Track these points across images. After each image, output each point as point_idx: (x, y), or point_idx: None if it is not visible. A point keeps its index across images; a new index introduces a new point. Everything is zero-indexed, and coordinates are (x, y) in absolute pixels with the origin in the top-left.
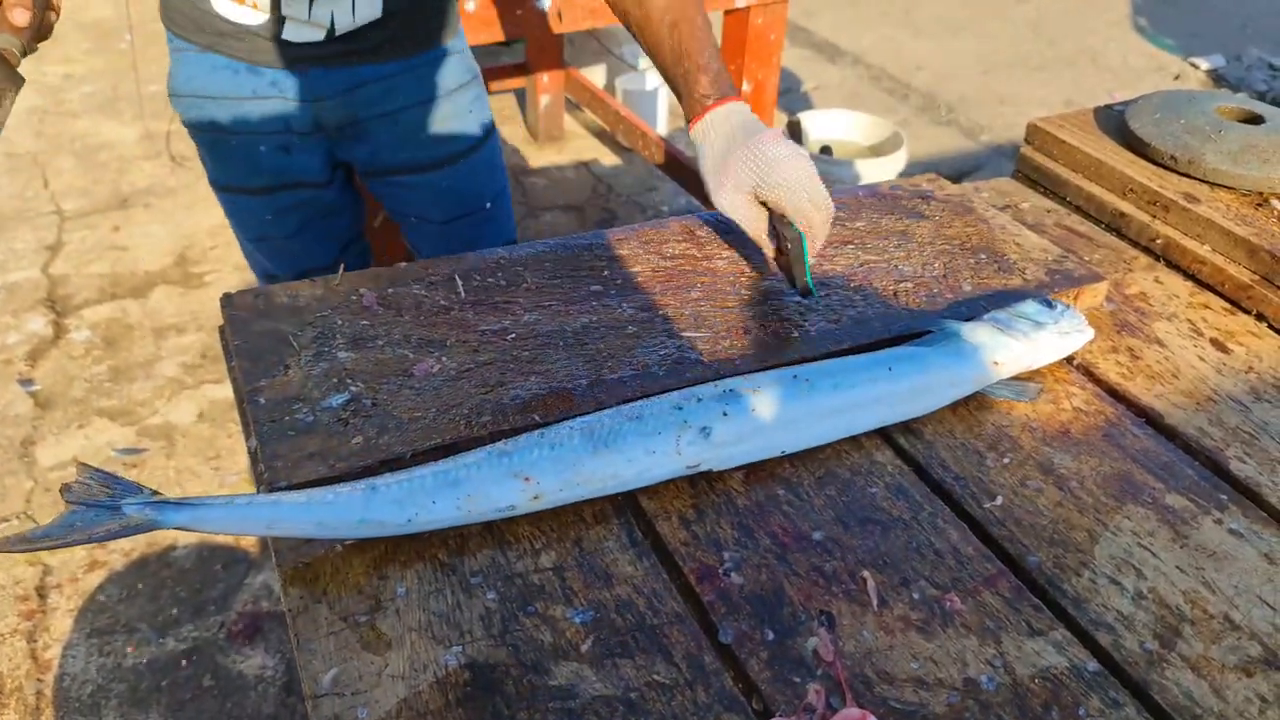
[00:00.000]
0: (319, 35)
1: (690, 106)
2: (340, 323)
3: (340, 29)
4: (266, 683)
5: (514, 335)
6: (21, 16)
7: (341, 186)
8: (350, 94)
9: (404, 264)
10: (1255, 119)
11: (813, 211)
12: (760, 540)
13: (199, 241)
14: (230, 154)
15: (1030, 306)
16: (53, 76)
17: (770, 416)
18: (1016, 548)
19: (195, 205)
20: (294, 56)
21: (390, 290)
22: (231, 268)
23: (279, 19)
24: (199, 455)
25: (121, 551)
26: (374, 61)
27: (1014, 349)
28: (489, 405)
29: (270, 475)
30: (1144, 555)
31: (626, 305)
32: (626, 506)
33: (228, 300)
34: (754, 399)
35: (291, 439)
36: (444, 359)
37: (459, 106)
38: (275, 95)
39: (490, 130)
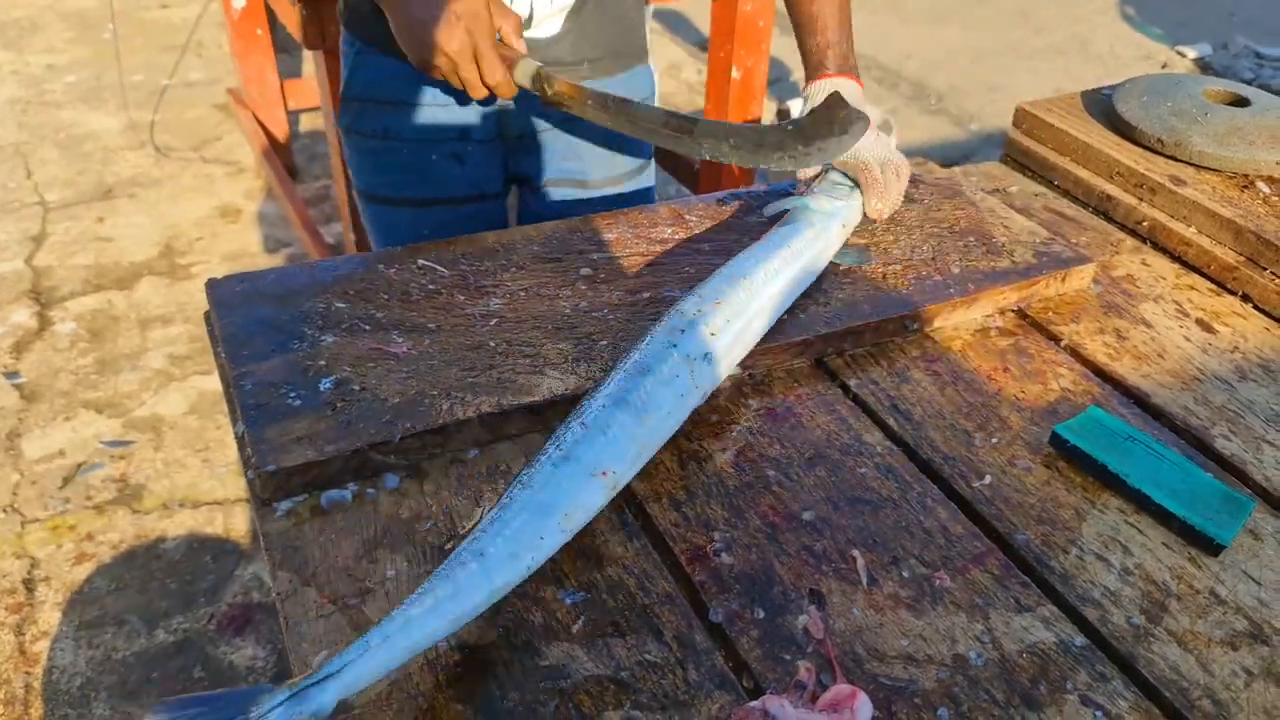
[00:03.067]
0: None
1: (810, 70)
2: (326, 307)
3: (538, 17)
4: (257, 674)
5: (504, 318)
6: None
7: (504, 200)
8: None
9: (392, 248)
10: (1241, 102)
11: (876, 170)
12: (750, 521)
13: (185, 232)
14: (395, 163)
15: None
16: (35, 66)
17: (742, 313)
18: (1005, 526)
19: (180, 196)
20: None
21: (378, 274)
22: (218, 258)
23: None
24: (187, 447)
25: (110, 544)
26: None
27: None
28: (479, 388)
29: (258, 459)
30: (1130, 532)
31: (616, 289)
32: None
33: (213, 286)
34: (721, 310)
35: (279, 423)
36: (432, 342)
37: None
38: (457, 101)
39: (650, 157)
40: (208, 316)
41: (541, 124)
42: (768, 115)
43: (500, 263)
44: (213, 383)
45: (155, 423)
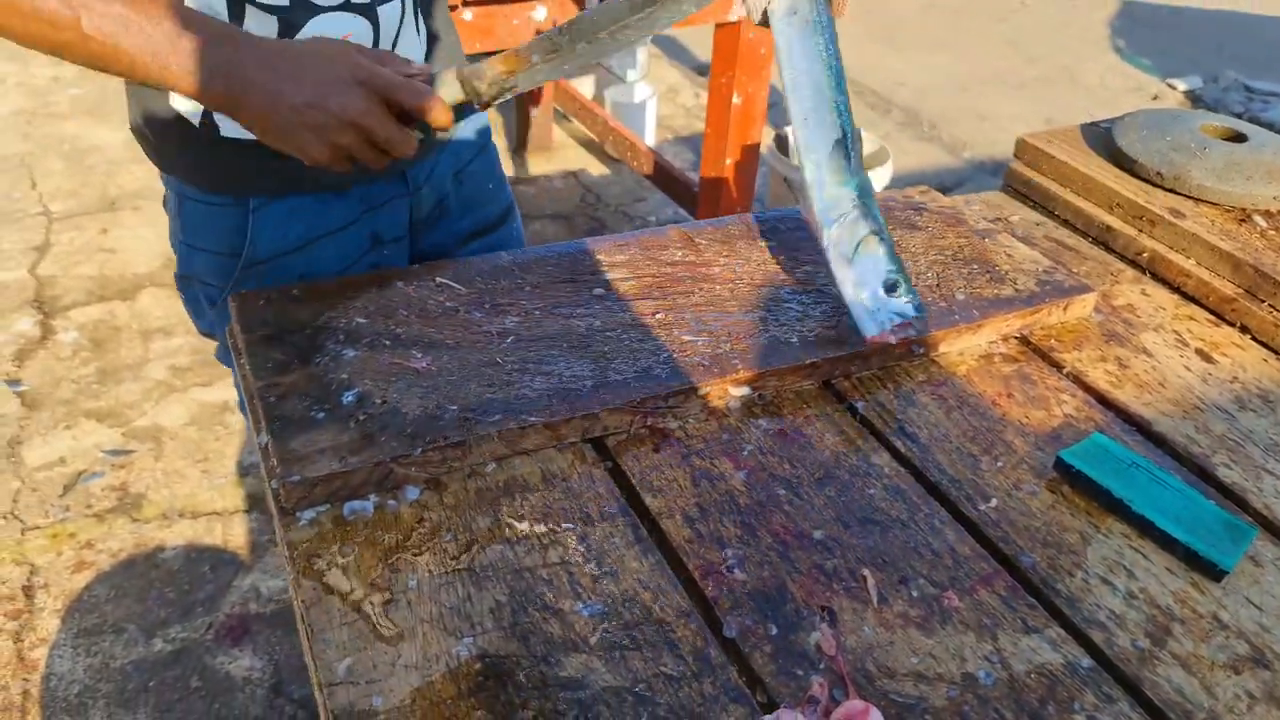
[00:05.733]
0: None
1: None
2: (348, 323)
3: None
4: (254, 684)
5: (520, 336)
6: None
7: None
8: (435, 165)
9: (410, 266)
10: (1239, 137)
11: None
12: (762, 538)
13: None
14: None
15: (876, 274)
16: (40, 79)
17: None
18: (1011, 548)
19: None
20: None
21: (397, 291)
22: None
23: None
24: (188, 457)
25: (109, 552)
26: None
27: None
28: (497, 404)
29: (283, 469)
30: (1134, 557)
31: (629, 309)
32: (631, 505)
33: (237, 299)
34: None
35: (303, 434)
36: (451, 358)
37: (491, 149)
38: (366, 210)
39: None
40: (229, 330)
41: (444, 187)
42: (766, 140)
43: (516, 281)
44: (213, 394)
45: (156, 433)
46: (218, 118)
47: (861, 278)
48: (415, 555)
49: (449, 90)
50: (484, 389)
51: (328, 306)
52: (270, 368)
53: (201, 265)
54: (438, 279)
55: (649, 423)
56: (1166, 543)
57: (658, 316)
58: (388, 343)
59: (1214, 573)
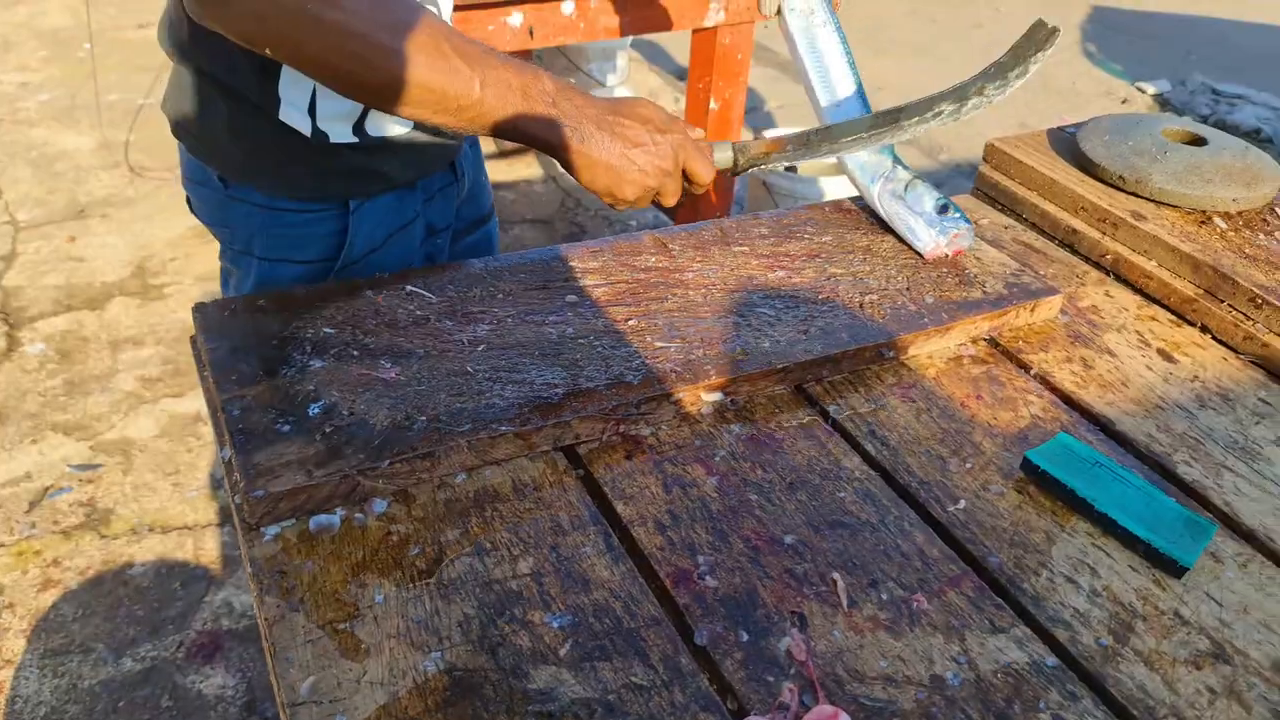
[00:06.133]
0: None
1: None
2: (315, 333)
3: None
4: (226, 703)
5: (491, 345)
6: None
7: None
8: (467, 155)
9: (379, 275)
10: (1198, 141)
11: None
12: (734, 544)
13: (158, 253)
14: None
15: (928, 201)
16: (8, 84)
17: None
18: (979, 549)
19: (154, 216)
20: (444, 135)
21: (366, 300)
22: (192, 279)
23: None
24: (157, 471)
25: (77, 570)
26: None
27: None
28: (467, 413)
29: (247, 484)
30: (1098, 555)
31: (602, 316)
32: (603, 513)
33: (200, 310)
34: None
35: (268, 448)
36: (420, 368)
37: (476, 143)
38: (426, 201)
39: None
40: (194, 341)
41: (470, 174)
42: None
43: (488, 289)
44: (183, 405)
45: (125, 446)
46: (327, 124)
47: (916, 204)
48: (382, 570)
49: (722, 156)
50: (454, 398)
51: (295, 317)
52: (235, 380)
53: (287, 277)
54: (408, 287)
55: (621, 430)
56: (1129, 541)
57: (630, 323)
58: (356, 353)
59: (1175, 570)
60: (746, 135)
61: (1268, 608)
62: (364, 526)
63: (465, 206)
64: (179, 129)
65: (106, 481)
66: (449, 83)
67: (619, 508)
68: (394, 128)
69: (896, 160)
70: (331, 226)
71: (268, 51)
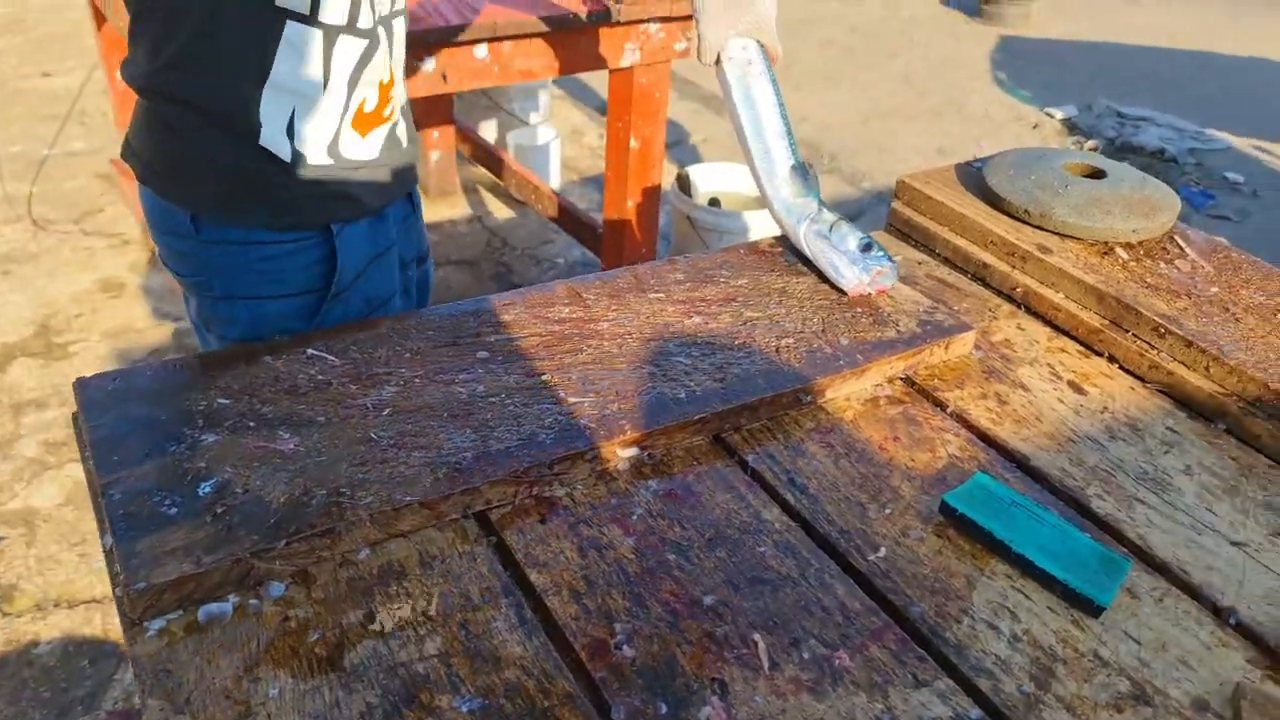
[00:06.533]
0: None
1: None
2: (208, 405)
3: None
4: None
5: (397, 408)
6: None
7: None
8: (415, 193)
9: (276, 339)
10: (1098, 174)
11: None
12: (652, 609)
13: (63, 309)
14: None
15: (852, 240)
16: None
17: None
18: (900, 599)
19: (58, 270)
20: (404, 161)
21: (264, 366)
22: (99, 335)
23: (392, 121)
24: (63, 541)
25: None
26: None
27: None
28: (370, 484)
29: (127, 576)
30: (1018, 598)
31: (514, 372)
32: (516, 583)
33: (82, 385)
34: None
35: (152, 534)
36: (321, 437)
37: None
38: (397, 231)
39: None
40: (75, 419)
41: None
42: (668, 180)
43: (394, 349)
44: None
45: (28, 516)
46: (304, 146)
47: (840, 243)
48: (278, 660)
49: None
50: (356, 469)
51: (188, 388)
52: (118, 460)
53: (276, 315)
54: (309, 351)
55: (534, 492)
56: (1047, 581)
57: (543, 378)
58: (252, 424)
59: (1093, 609)
60: (670, 170)
61: (1184, 644)
62: (259, 613)
63: (417, 243)
64: (147, 172)
65: (9, 555)
66: None
67: (532, 576)
68: (362, 151)
69: (821, 203)
70: (314, 255)
71: None
